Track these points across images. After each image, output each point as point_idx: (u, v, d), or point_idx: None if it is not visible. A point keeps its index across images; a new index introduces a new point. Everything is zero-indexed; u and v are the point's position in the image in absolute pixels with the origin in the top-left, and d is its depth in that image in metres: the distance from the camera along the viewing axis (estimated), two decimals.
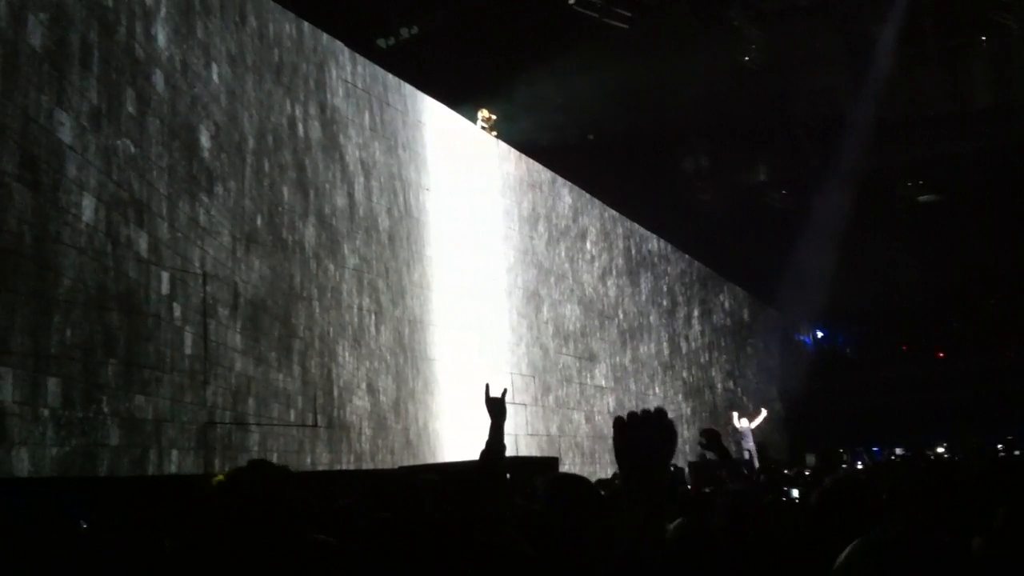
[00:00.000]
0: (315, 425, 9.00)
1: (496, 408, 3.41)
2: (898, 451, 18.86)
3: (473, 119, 14.09)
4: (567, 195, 16.31)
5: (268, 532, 2.07)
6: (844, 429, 22.47)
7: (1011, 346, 23.74)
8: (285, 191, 9.01)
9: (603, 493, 3.12)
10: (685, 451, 18.95)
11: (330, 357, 9.54)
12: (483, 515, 3.12)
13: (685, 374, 20.37)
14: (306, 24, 9.84)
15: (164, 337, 6.64)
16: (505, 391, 3.47)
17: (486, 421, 3.47)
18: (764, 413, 19.28)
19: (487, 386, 3.49)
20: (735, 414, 19.57)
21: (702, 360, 21.47)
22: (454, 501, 3.43)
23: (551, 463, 10.44)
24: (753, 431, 18.55)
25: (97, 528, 4.05)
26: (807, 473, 10.94)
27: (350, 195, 10.38)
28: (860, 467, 15.51)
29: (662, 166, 21.47)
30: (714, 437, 4.29)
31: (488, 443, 3.34)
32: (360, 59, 11.08)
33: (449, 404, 11.69)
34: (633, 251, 18.63)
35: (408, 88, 12.12)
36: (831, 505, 3.13)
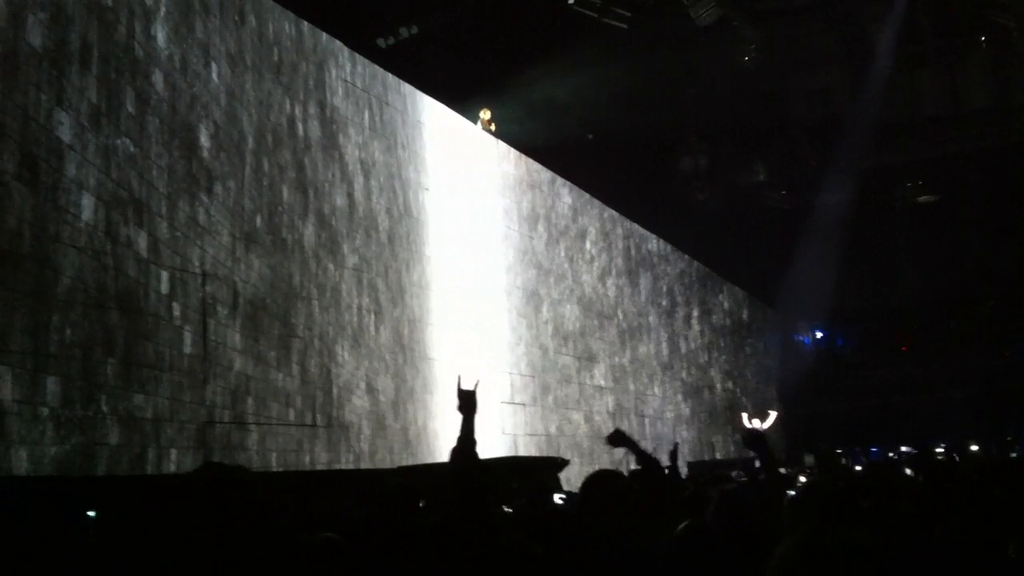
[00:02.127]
0: (314, 425, 9.00)
1: (467, 401, 3.23)
2: (890, 454, 18.85)
3: (472, 119, 14.09)
4: (566, 195, 16.30)
5: (229, 535, 2.04)
6: (843, 430, 22.46)
7: (1010, 346, 23.73)
8: (284, 190, 9.01)
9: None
10: (684, 452, 18.95)
11: (329, 357, 9.54)
12: (479, 514, 3.09)
13: (684, 374, 20.35)
14: (305, 24, 9.84)
15: (163, 336, 6.64)
16: (477, 383, 3.27)
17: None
18: (773, 415, 19.23)
19: (459, 377, 3.34)
20: (744, 415, 19.57)
21: (701, 360, 21.45)
22: (432, 502, 3.39)
23: (557, 463, 10.46)
24: (767, 432, 18.54)
25: (101, 524, 4.05)
26: (809, 472, 10.97)
27: (349, 195, 10.38)
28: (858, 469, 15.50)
29: (661, 166, 21.50)
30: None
31: (459, 439, 3.16)
32: (360, 59, 11.08)
33: (448, 404, 11.66)
34: (632, 251, 18.62)
35: (407, 87, 12.12)
36: (804, 508, 3.14)
